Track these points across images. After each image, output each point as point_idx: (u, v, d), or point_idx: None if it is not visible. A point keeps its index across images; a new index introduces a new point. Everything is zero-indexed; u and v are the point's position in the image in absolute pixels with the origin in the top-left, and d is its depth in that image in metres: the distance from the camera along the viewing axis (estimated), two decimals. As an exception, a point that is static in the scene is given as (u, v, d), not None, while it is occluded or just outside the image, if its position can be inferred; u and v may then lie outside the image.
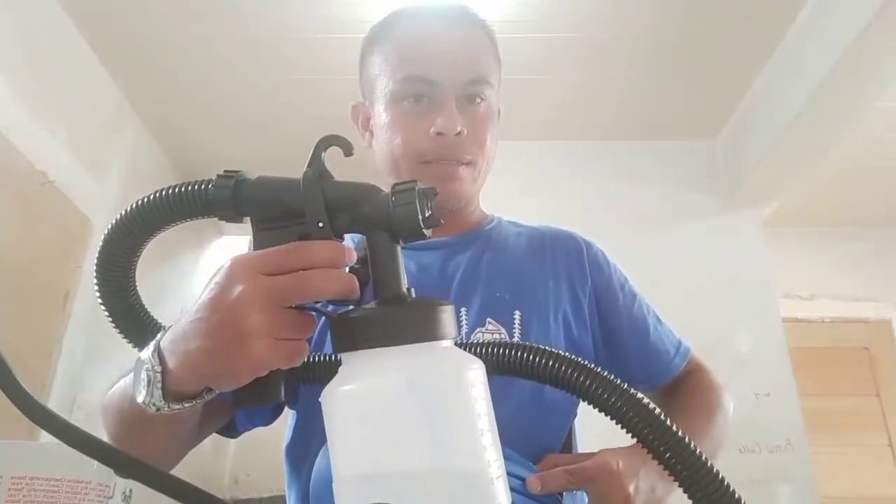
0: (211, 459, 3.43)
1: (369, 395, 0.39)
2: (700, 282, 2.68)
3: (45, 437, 0.46)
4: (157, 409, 0.45)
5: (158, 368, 0.45)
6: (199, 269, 3.51)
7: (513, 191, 2.57)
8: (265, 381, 0.44)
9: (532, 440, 0.73)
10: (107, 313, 0.51)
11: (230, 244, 3.85)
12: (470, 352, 0.49)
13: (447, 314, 0.42)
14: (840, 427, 3.29)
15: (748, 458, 2.45)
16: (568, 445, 0.78)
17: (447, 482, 0.37)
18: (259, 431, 0.85)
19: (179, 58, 2.53)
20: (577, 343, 0.79)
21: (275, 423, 0.78)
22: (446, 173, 0.78)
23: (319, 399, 0.40)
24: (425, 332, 0.40)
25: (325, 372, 0.52)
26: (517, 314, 0.77)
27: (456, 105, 0.77)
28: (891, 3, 1.84)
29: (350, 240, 0.49)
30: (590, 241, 0.90)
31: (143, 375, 0.45)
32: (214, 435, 0.74)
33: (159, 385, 0.45)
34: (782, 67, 2.47)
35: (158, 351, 0.46)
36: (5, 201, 2.00)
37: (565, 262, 0.85)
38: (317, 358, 0.53)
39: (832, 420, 3.25)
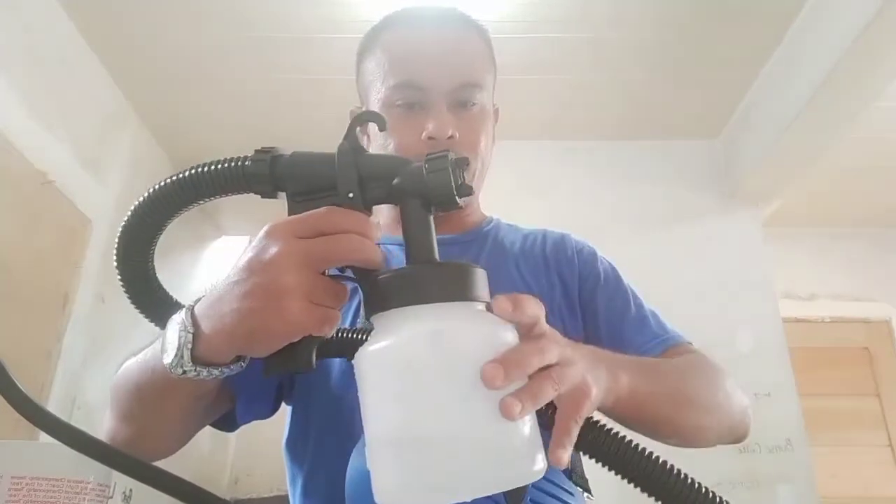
0: (211, 459, 3.43)
1: (399, 353, 0.39)
2: (700, 282, 2.68)
3: (45, 438, 0.46)
4: (184, 373, 0.46)
5: (191, 330, 0.45)
6: (198, 270, 3.51)
7: (513, 190, 2.57)
8: (297, 348, 0.44)
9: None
10: (122, 281, 0.52)
11: (230, 244, 3.85)
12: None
13: (479, 277, 0.42)
14: (840, 427, 3.29)
15: (748, 458, 2.45)
16: None
17: (478, 439, 0.37)
18: (259, 431, 0.85)
19: (179, 58, 2.53)
20: (572, 337, 0.79)
21: (274, 422, 0.78)
22: None
23: (352, 361, 0.40)
24: (457, 291, 0.40)
25: (351, 345, 0.52)
26: None
27: (448, 109, 0.78)
28: (890, 3, 1.84)
29: None
30: (582, 241, 0.90)
31: (174, 337, 0.46)
32: (214, 434, 0.74)
33: (189, 347, 0.45)
34: (782, 67, 2.47)
35: (192, 314, 0.46)
36: (5, 201, 2.00)
37: (556, 259, 0.86)
38: (346, 334, 0.53)
39: (832, 420, 3.25)
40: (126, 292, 0.53)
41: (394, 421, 0.38)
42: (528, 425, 0.39)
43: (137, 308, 0.54)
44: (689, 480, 0.45)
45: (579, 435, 0.46)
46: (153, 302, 0.54)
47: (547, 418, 0.45)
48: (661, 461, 0.45)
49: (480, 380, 0.37)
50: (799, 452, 2.51)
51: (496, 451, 0.38)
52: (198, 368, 0.46)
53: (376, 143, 0.82)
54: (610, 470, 0.46)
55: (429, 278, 0.41)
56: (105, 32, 2.40)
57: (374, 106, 0.81)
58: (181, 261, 3.33)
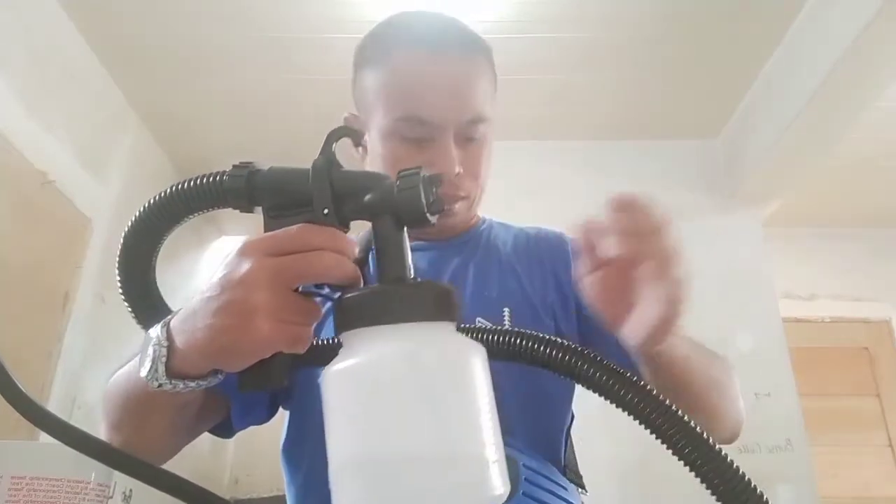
0: (211, 459, 3.43)
1: (365, 372, 0.38)
2: (700, 282, 2.66)
3: (46, 438, 0.46)
4: (160, 386, 0.46)
5: (165, 343, 0.45)
6: (199, 270, 3.51)
7: (512, 191, 2.56)
8: (269, 364, 0.44)
9: (539, 429, 0.74)
10: (130, 308, 0.52)
11: (230, 244, 3.84)
12: (472, 337, 0.49)
13: (450, 297, 0.41)
14: (840, 427, 3.29)
15: (748, 458, 2.45)
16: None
17: (443, 462, 0.36)
18: (259, 431, 0.85)
19: (180, 57, 2.53)
20: (565, 335, 0.79)
21: (273, 423, 0.78)
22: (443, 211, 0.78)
23: (318, 381, 0.40)
24: (427, 311, 0.40)
25: (327, 354, 0.52)
26: (506, 311, 0.77)
27: (454, 142, 0.76)
28: (891, 3, 1.84)
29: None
30: None
31: (150, 350, 0.46)
32: (214, 435, 0.74)
33: (164, 360, 0.45)
34: (782, 67, 2.47)
35: (167, 328, 0.46)
36: (5, 201, 2.00)
37: (550, 257, 0.85)
38: (320, 341, 0.53)
39: (832, 420, 3.25)
40: (129, 308, 0.53)
41: (358, 443, 0.37)
42: (493, 444, 0.38)
43: (139, 323, 0.54)
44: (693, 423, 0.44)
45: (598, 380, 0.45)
46: (153, 315, 0.54)
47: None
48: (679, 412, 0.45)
49: (446, 400, 0.37)
50: (799, 452, 2.51)
51: (462, 472, 0.37)
52: (173, 381, 0.46)
53: (375, 164, 0.79)
54: (628, 413, 0.45)
55: (398, 298, 0.40)
56: (105, 32, 2.40)
57: (375, 129, 0.78)
58: (182, 262, 3.33)
